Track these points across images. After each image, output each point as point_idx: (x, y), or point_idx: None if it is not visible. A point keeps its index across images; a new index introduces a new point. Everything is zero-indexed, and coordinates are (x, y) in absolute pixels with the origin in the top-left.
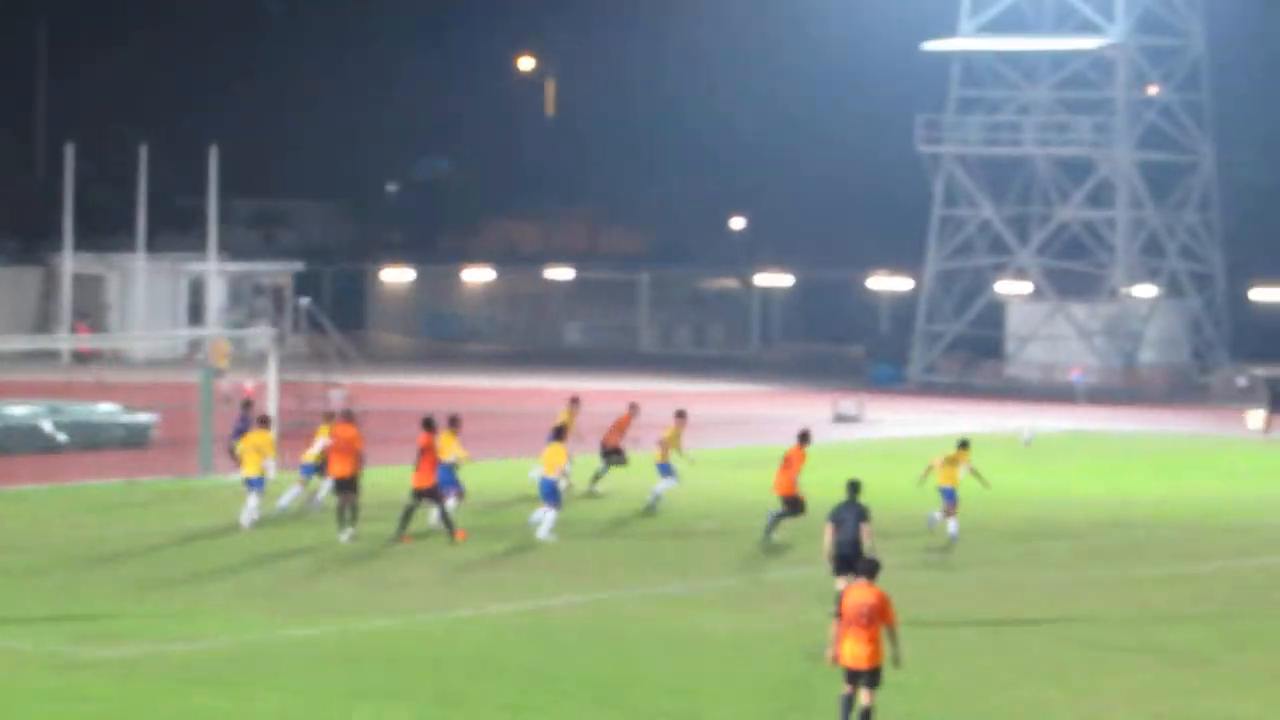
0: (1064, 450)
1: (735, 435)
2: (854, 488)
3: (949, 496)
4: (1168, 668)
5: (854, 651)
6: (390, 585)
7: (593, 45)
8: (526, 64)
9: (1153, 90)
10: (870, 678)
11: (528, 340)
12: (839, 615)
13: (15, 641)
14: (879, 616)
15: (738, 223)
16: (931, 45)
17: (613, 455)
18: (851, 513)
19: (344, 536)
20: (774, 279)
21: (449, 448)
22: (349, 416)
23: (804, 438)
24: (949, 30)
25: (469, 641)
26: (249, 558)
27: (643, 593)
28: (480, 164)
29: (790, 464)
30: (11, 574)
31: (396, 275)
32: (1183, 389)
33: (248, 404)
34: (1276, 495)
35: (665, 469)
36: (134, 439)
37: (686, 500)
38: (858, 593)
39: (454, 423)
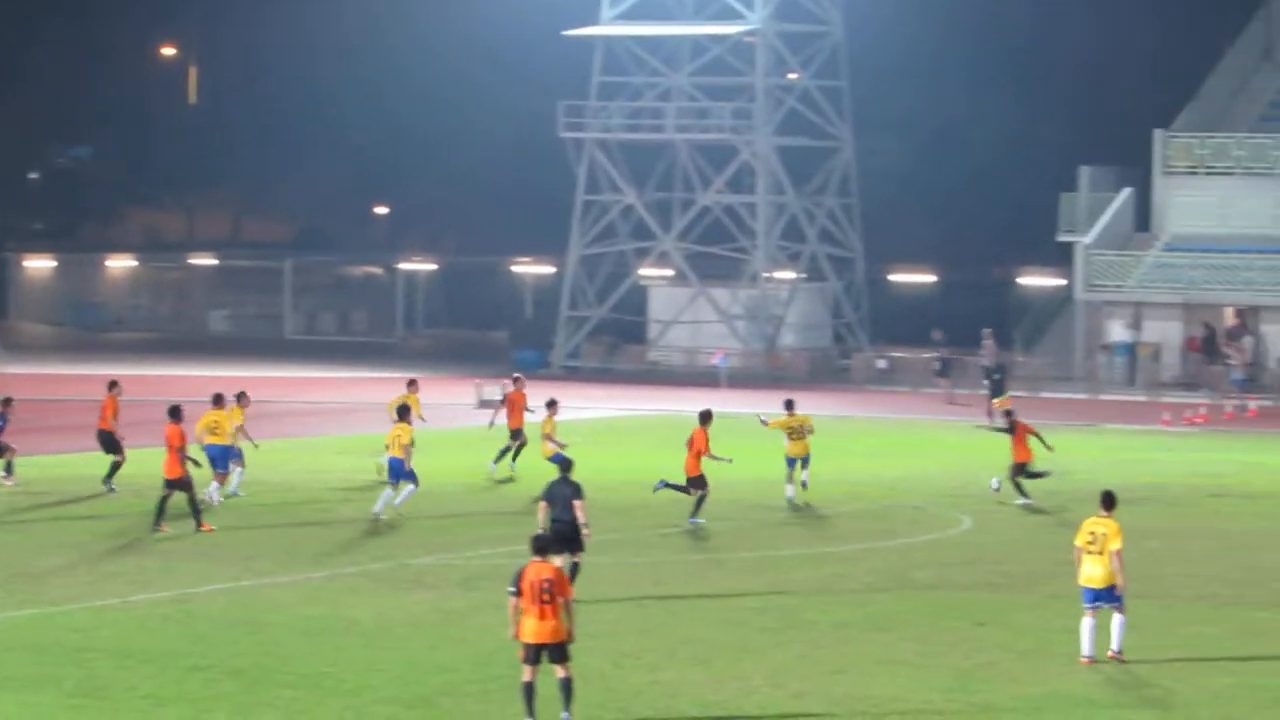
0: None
1: (380, 421)
2: (565, 466)
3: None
4: (810, 648)
5: (538, 627)
6: (32, 575)
7: (233, 31)
8: (168, 51)
9: (793, 76)
10: (557, 651)
11: (172, 328)
12: (518, 593)
13: None
14: (559, 590)
15: (381, 210)
16: (572, 32)
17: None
18: (565, 490)
19: None
20: (418, 265)
21: (226, 426)
22: None
23: (705, 418)
24: (592, 17)
25: (113, 631)
26: None
27: (287, 579)
28: (121, 152)
29: (693, 444)
30: None
31: (38, 264)
32: (824, 371)
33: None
34: (915, 475)
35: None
36: None
37: (331, 487)
38: (536, 569)
39: (241, 399)
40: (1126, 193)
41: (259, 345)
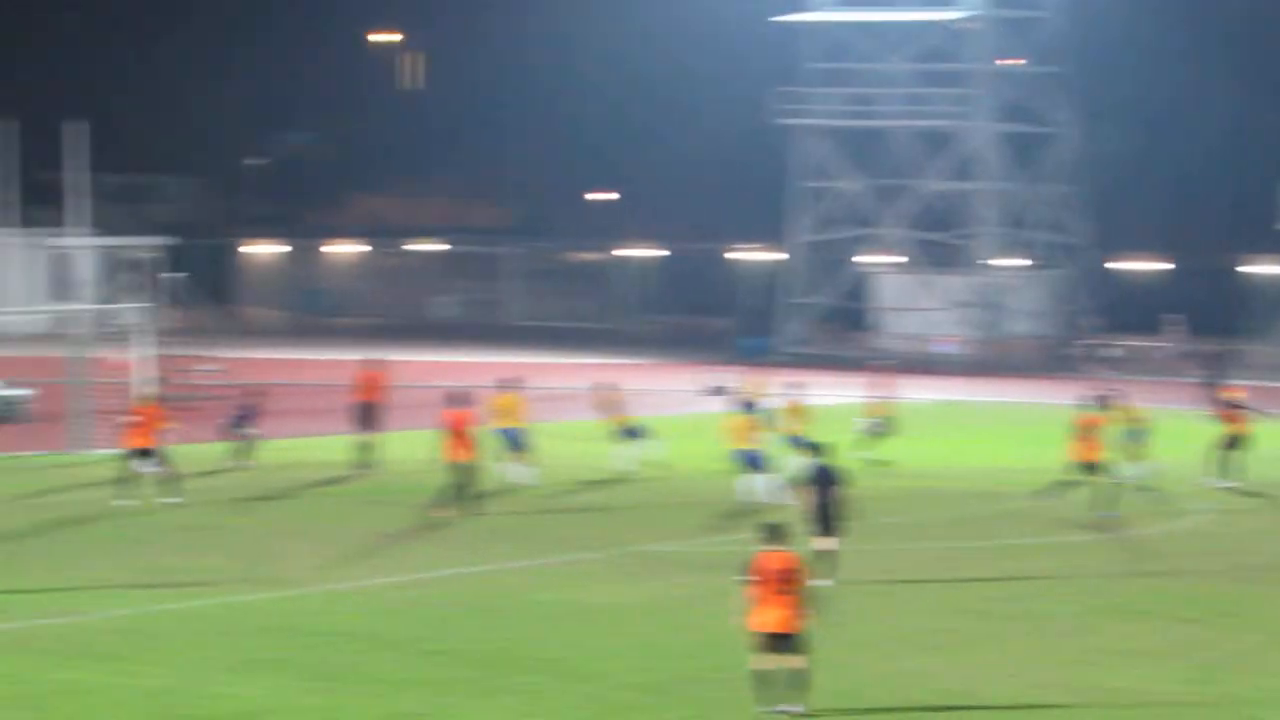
0: (933, 421)
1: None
2: (821, 451)
3: None
4: (1048, 637)
5: (771, 617)
6: (272, 559)
7: (453, 18)
8: (390, 36)
9: (1013, 62)
10: (790, 641)
11: (396, 314)
12: (753, 580)
13: None
14: (796, 579)
15: (604, 196)
16: (784, 18)
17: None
18: (823, 475)
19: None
20: (641, 251)
21: (512, 412)
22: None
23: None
24: (809, 2)
25: (351, 615)
26: (125, 533)
27: (524, 564)
28: (345, 137)
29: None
30: None
31: (264, 250)
32: (1051, 359)
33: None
34: (1150, 465)
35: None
36: (8, 414)
37: (561, 473)
38: (773, 557)
39: (514, 387)
40: None
41: (481, 331)
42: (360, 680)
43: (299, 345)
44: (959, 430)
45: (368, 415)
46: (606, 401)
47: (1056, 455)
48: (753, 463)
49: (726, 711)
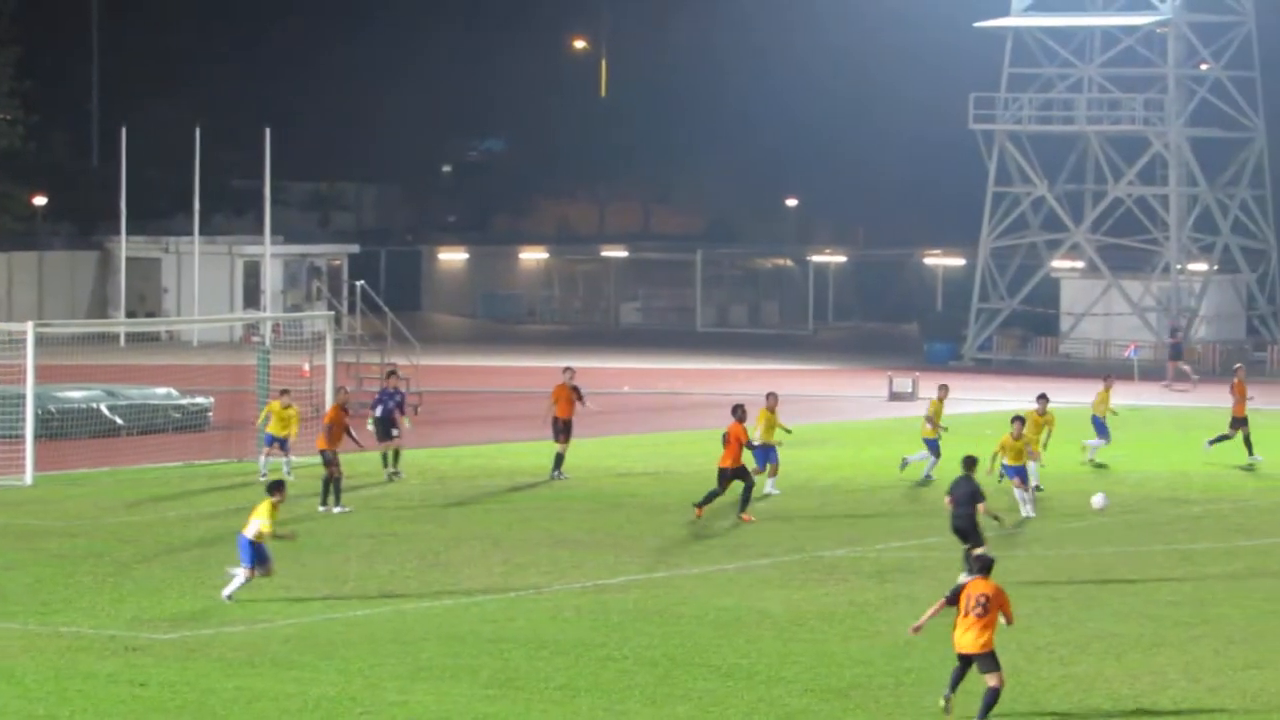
0: (1119, 426)
1: (792, 414)
2: (969, 465)
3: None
4: (1224, 642)
5: (966, 639)
6: (447, 566)
7: (641, 25)
8: (578, 44)
9: (1205, 67)
10: (986, 661)
11: (584, 320)
12: (952, 603)
13: (75, 625)
14: (995, 606)
15: (790, 202)
16: (984, 24)
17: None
18: (965, 488)
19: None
20: (828, 257)
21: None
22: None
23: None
24: (1001, 9)
25: (527, 621)
26: (306, 540)
27: (698, 571)
28: (532, 144)
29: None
30: (70, 558)
31: (451, 256)
32: (1237, 364)
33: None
34: None
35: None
36: (191, 422)
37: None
38: (976, 585)
39: (770, 398)
40: None
41: (670, 337)
42: (535, 687)
43: (485, 352)
44: (1142, 434)
45: (563, 428)
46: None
47: (1237, 459)
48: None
49: (898, 718)
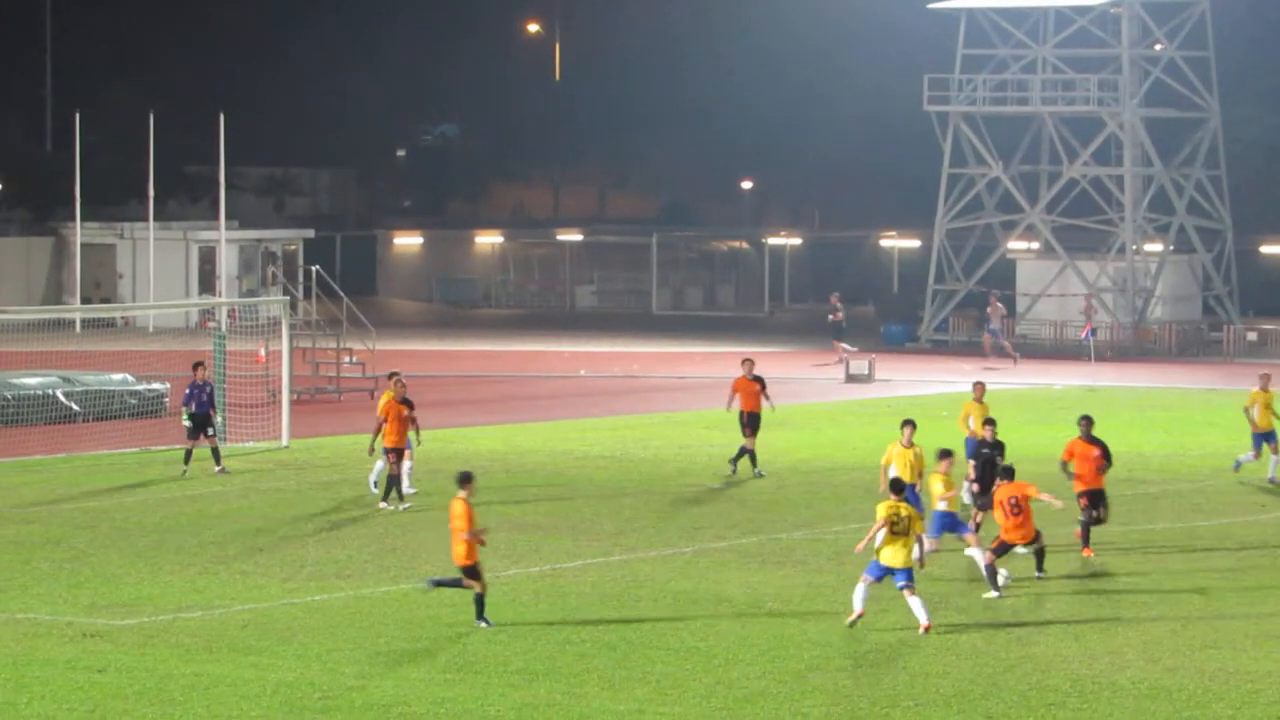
0: (1077, 407)
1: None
2: (990, 424)
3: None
4: (1182, 623)
5: (1013, 535)
6: (404, 550)
7: (594, 8)
8: (532, 28)
9: (1158, 47)
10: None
11: (540, 303)
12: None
13: (31, 612)
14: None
15: (745, 184)
16: (936, 5)
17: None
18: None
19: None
20: (783, 239)
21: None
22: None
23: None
24: None
25: (486, 606)
26: (263, 525)
27: (656, 554)
28: (488, 129)
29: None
30: (26, 544)
31: (407, 240)
32: (1193, 344)
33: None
34: None
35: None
36: (147, 408)
37: (698, 462)
38: (1006, 489)
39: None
40: None
41: (626, 320)
42: (493, 671)
43: (441, 336)
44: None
45: (748, 421)
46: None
47: (1194, 440)
48: None
49: (858, 700)
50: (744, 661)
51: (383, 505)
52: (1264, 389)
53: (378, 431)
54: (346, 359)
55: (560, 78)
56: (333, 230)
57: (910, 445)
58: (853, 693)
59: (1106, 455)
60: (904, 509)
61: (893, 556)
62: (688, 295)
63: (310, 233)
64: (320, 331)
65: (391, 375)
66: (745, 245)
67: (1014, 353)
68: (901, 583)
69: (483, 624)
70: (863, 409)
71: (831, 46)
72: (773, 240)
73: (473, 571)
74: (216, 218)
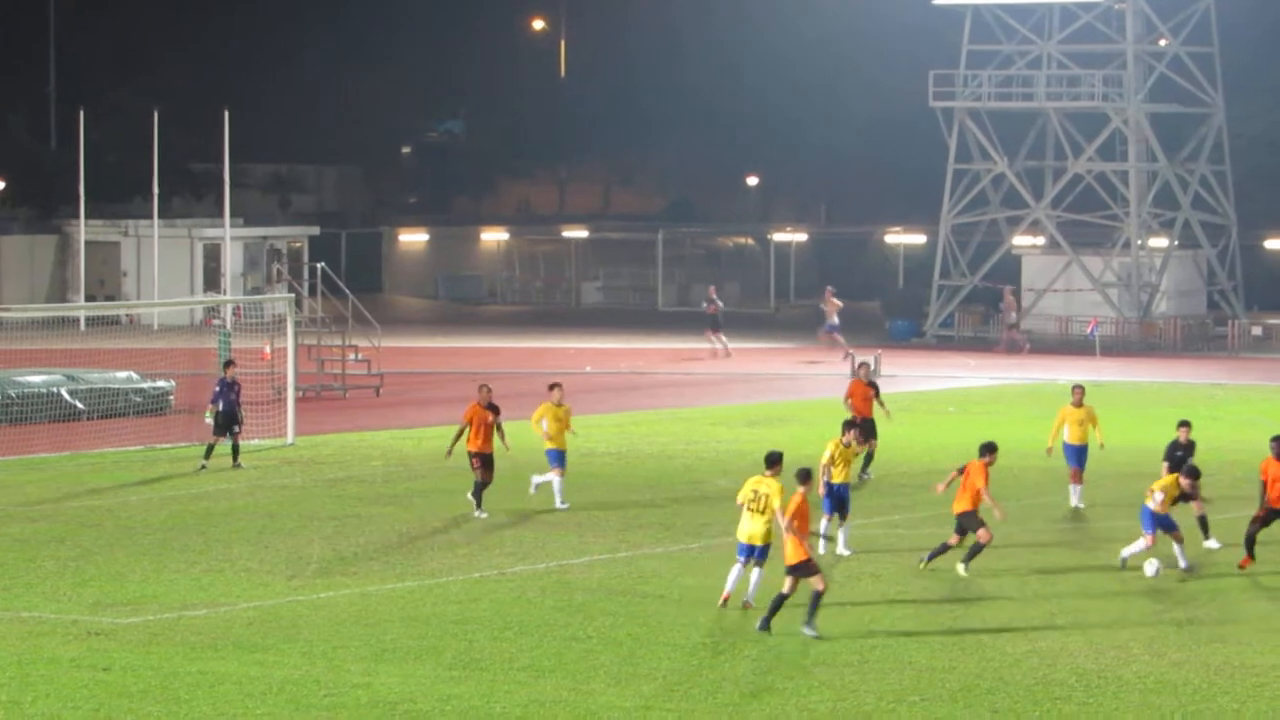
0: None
1: (754, 392)
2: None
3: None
4: (1188, 617)
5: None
6: (411, 547)
7: (601, 3)
8: (537, 24)
9: (1163, 43)
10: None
11: (545, 300)
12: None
13: (36, 610)
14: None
15: (751, 180)
16: (942, 1)
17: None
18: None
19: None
20: (789, 235)
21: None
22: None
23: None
24: None
25: (491, 602)
26: (269, 523)
27: (662, 550)
28: (493, 125)
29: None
30: (31, 543)
31: (412, 237)
32: (1198, 339)
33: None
34: None
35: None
36: (152, 406)
37: (705, 458)
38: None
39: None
40: None
41: (632, 317)
42: (499, 668)
43: (446, 333)
44: (1104, 411)
45: (861, 425)
46: None
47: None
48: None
49: (864, 695)
50: (750, 657)
51: (477, 514)
52: None
53: (458, 436)
54: (351, 356)
55: (565, 74)
56: (338, 227)
57: (850, 445)
58: (859, 688)
59: None
60: (763, 485)
61: (749, 533)
62: (693, 291)
63: (315, 230)
64: (325, 329)
65: (481, 386)
66: (751, 241)
67: (1025, 344)
68: (754, 558)
69: (809, 631)
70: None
71: (837, 43)
72: (778, 236)
73: (806, 568)
74: (221, 215)
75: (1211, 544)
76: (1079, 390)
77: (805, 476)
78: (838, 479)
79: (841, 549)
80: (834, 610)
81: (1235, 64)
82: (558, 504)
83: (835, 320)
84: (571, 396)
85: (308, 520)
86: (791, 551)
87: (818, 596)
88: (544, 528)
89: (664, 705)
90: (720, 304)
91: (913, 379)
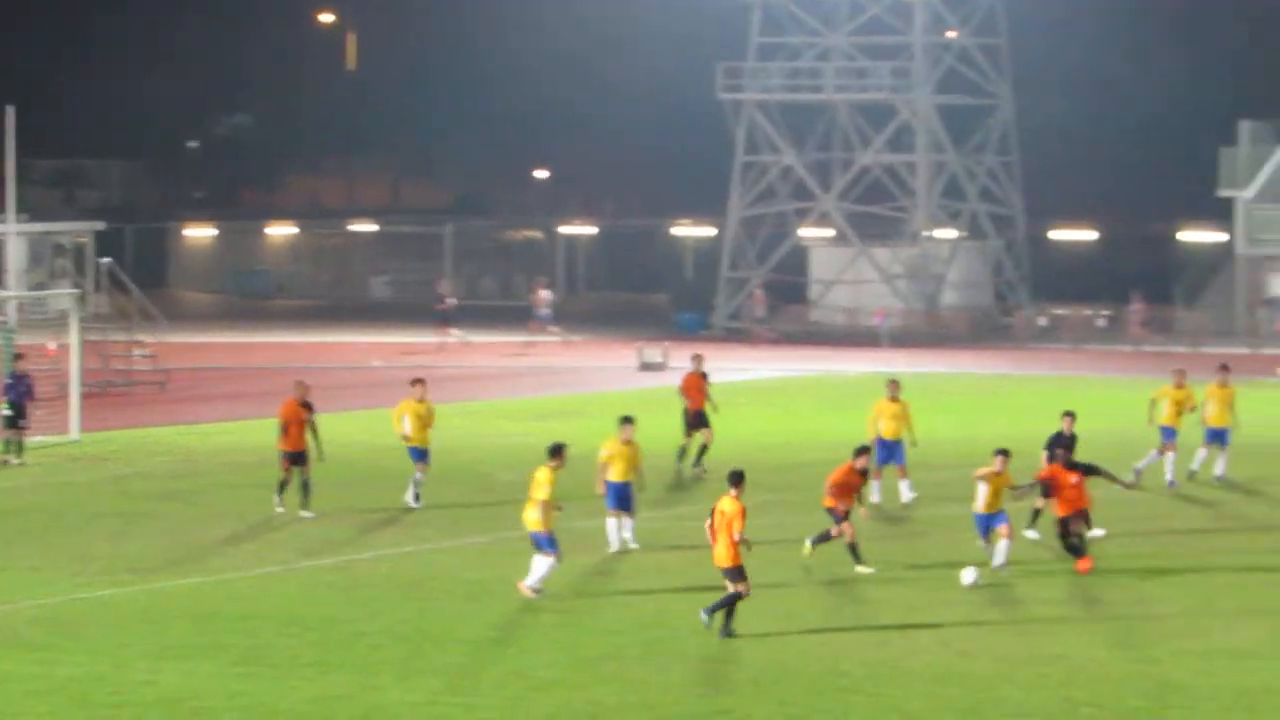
0: (869, 393)
1: (542, 385)
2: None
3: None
4: (976, 608)
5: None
6: (195, 544)
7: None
8: (325, 18)
9: (951, 34)
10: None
11: (334, 294)
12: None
13: None
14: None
15: (540, 174)
16: None
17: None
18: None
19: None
20: (578, 229)
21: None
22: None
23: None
24: None
25: (276, 598)
26: (53, 520)
27: (449, 544)
28: (281, 119)
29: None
30: None
31: (199, 232)
32: (985, 330)
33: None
34: (1081, 432)
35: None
36: None
37: (492, 452)
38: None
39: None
40: None
41: (420, 311)
42: (286, 664)
43: (234, 329)
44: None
45: (692, 419)
46: None
47: (987, 426)
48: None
49: (653, 689)
50: (537, 651)
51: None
52: (1179, 385)
53: (285, 436)
54: (137, 352)
55: (354, 68)
56: (124, 222)
57: (629, 442)
58: (645, 680)
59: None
60: (539, 474)
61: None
62: (482, 285)
63: (101, 225)
64: (110, 324)
65: (297, 383)
66: (540, 234)
67: (771, 336)
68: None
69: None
70: (654, 397)
71: (626, 35)
72: (566, 229)
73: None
74: (4, 210)
75: (1032, 534)
76: (894, 385)
77: (738, 479)
78: (616, 477)
79: (631, 543)
80: (620, 603)
81: (1023, 56)
82: (410, 502)
83: (545, 311)
84: (359, 390)
85: (92, 517)
86: (725, 554)
87: (735, 598)
88: (330, 523)
89: (450, 699)
90: (453, 300)
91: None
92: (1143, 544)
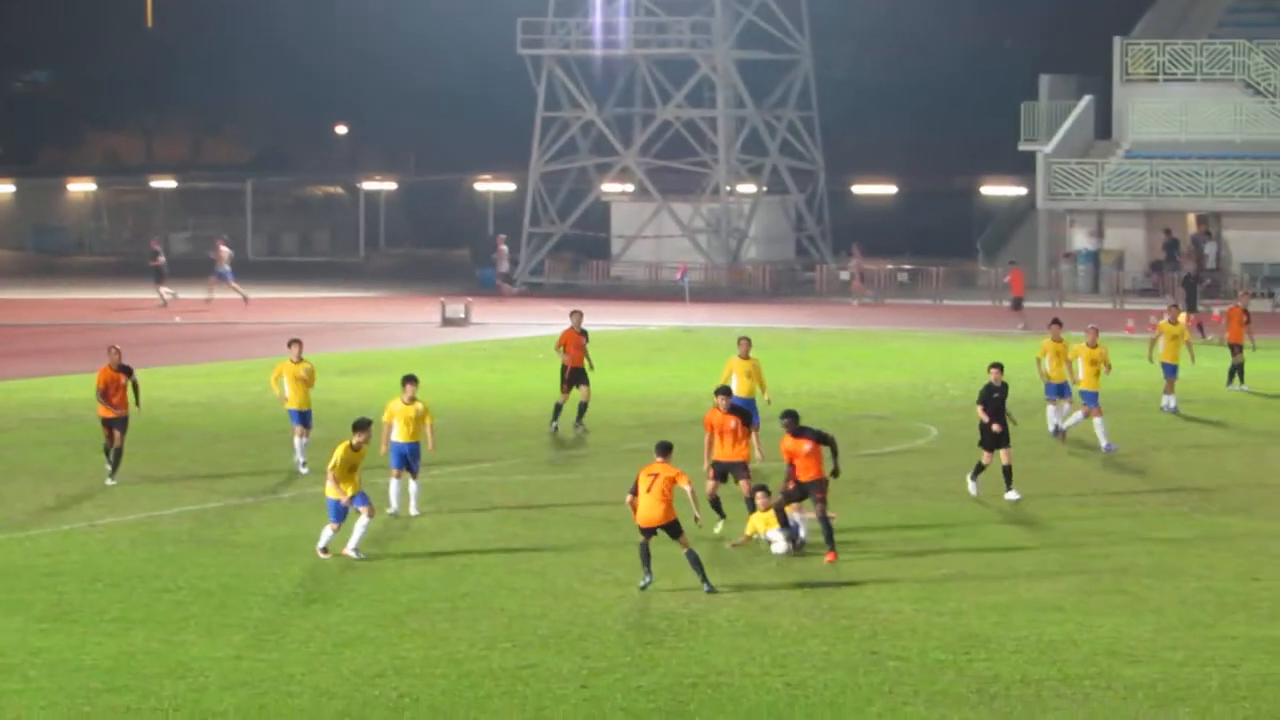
0: (671, 347)
1: (344, 341)
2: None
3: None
4: (777, 561)
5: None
6: None
7: None
8: None
9: None
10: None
11: (133, 251)
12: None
13: None
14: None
15: (340, 129)
16: None
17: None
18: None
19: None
20: (379, 184)
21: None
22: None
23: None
24: None
25: (80, 554)
26: None
27: (254, 501)
28: (79, 75)
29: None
30: None
31: None
32: (786, 284)
33: None
34: (880, 387)
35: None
36: None
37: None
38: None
39: None
40: (1087, 100)
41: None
42: (90, 620)
43: (35, 285)
44: (695, 357)
45: (570, 377)
46: None
47: (789, 378)
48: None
49: (456, 643)
50: (342, 606)
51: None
52: (1056, 339)
53: (105, 402)
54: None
55: (152, 23)
56: None
57: (412, 401)
58: (450, 635)
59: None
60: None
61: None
62: (283, 241)
63: None
64: None
65: (110, 348)
66: (341, 190)
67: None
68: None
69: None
70: (458, 353)
71: None
72: (368, 185)
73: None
74: None
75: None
76: (745, 342)
77: (666, 449)
78: (403, 438)
79: (412, 508)
80: (425, 559)
81: (821, 10)
82: (299, 468)
83: (225, 268)
84: (160, 347)
85: None
86: (659, 513)
87: (695, 555)
88: (133, 479)
89: (256, 655)
90: (164, 258)
91: (502, 327)
92: (950, 505)
